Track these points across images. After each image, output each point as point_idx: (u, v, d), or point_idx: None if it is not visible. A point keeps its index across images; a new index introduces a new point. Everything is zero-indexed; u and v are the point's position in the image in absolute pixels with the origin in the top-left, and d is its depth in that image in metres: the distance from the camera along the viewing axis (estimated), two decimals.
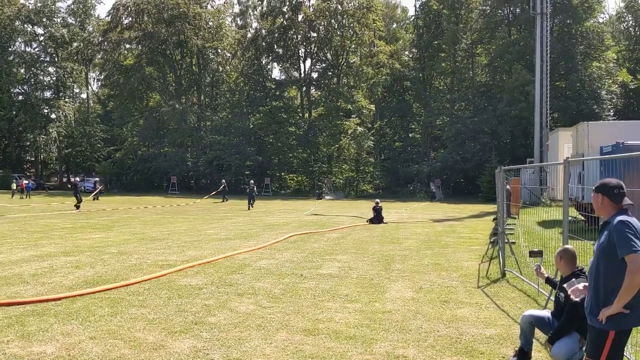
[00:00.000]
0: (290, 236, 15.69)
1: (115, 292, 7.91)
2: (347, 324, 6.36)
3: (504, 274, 9.48)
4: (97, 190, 40.67)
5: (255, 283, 8.78)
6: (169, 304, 7.24)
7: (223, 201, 37.44)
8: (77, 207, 27.59)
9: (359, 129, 55.38)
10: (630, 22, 58.06)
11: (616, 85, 49.37)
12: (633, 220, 3.61)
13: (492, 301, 7.63)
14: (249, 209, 29.67)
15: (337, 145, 55.72)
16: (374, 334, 5.98)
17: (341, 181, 55.98)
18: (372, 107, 59.07)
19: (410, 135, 62.52)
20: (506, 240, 10.08)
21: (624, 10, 58.50)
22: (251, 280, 9.04)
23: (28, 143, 63.63)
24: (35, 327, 6.11)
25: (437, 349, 5.53)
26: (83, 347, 5.46)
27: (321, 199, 44.74)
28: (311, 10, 57.96)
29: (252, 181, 34.71)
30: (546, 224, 18.92)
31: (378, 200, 22.98)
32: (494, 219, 22.68)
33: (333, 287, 8.55)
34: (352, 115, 56.39)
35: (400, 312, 6.96)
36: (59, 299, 7.33)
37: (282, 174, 59.59)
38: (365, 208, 28.45)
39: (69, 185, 31.71)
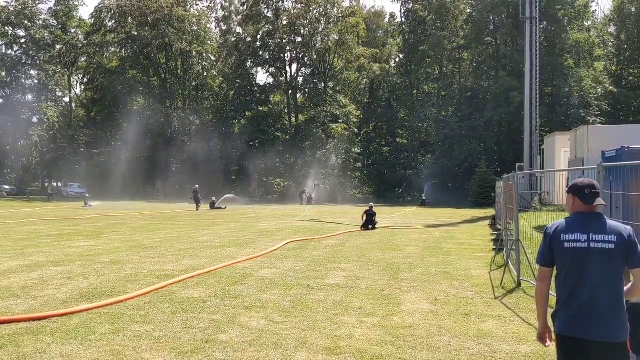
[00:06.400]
0: (287, 243, 15.23)
1: (114, 307, 7.39)
2: (369, 342, 5.93)
3: (519, 284, 9.11)
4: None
5: (262, 295, 8.31)
6: (174, 320, 6.75)
7: (223, 208, 36.67)
8: (197, 209, 34.04)
9: (346, 133, 55.19)
10: (618, 28, 58.48)
11: (603, 91, 49.74)
12: None
13: (515, 314, 7.25)
14: (197, 210, 34.24)
15: (324, 150, 55.40)
16: (401, 353, 5.56)
17: (328, 186, 55.59)
18: (358, 112, 59.01)
19: (397, 140, 62.41)
20: (520, 247, 9.69)
21: (613, 15, 58.89)
22: (256, 291, 8.57)
23: (9, 147, 62.32)
24: (31, 347, 5.59)
25: None
26: None
27: (310, 204, 44.30)
28: (293, 11, 57.56)
29: (197, 186, 37.51)
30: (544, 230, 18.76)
31: (372, 204, 22.53)
32: (490, 225, 22.50)
33: (344, 298, 8.12)
34: (339, 121, 56.18)
35: (422, 326, 6.55)
36: (58, 315, 6.78)
37: (269, 178, 59.01)
38: (356, 214, 28.03)
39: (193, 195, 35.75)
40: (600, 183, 6.26)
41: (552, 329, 3.52)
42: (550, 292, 3.63)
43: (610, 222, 3.43)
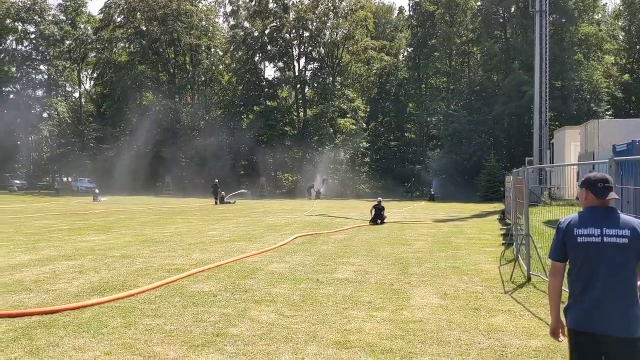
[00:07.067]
0: (296, 237, 15.27)
1: (125, 300, 7.45)
2: (379, 336, 5.94)
3: (529, 278, 9.10)
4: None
5: (271, 289, 8.35)
6: (185, 313, 6.79)
7: (232, 203, 36.79)
8: (216, 203, 34.81)
9: (354, 127, 55.16)
10: (627, 21, 57.90)
11: (615, 85, 49.40)
12: None
13: (525, 308, 7.23)
14: (215, 204, 34.88)
15: (332, 145, 55.41)
16: (410, 347, 5.57)
17: (336, 181, 55.56)
18: (366, 107, 58.99)
19: (405, 134, 62.25)
20: (531, 241, 9.65)
21: (621, 9, 58.36)
22: (266, 285, 8.61)
23: (19, 142, 62.78)
24: (44, 340, 5.65)
25: None
26: None
27: (319, 198, 44.36)
28: (301, 6, 57.41)
29: (216, 180, 38.73)
30: (554, 224, 18.68)
31: (380, 198, 22.50)
32: (499, 219, 22.43)
33: (353, 293, 8.13)
34: (347, 115, 56.14)
35: (432, 321, 6.55)
36: (70, 309, 6.85)
37: (277, 173, 59.11)
38: (364, 208, 28.02)
39: (211, 188, 37.05)
40: (612, 177, 6.23)
41: (565, 324, 3.52)
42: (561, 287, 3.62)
43: (624, 217, 3.42)
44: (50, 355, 5.24)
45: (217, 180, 37.35)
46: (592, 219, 3.44)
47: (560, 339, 3.59)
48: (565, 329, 3.51)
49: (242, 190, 43.11)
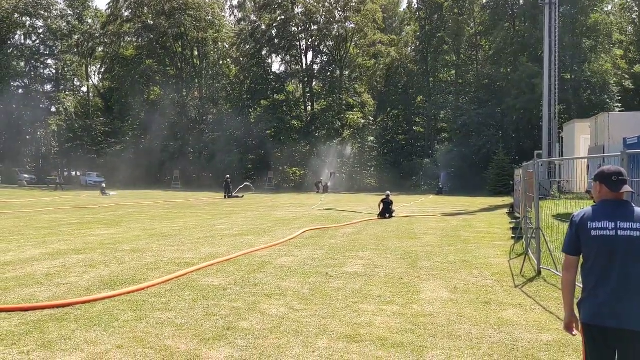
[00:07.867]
0: (305, 231, 15.28)
1: (136, 294, 7.49)
2: (390, 329, 5.94)
3: (539, 272, 9.06)
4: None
5: (281, 283, 8.36)
6: (195, 307, 6.81)
7: (240, 197, 36.85)
8: (226, 197, 35.11)
9: (362, 121, 55.04)
10: (637, 13, 57.29)
11: (627, 78, 48.93)
12: None
13: (536, 302, 7.21)
14: (225, 198, 35.17)
15: (339, 139, 55.32)
16: (421, 341, 5.56)
17: (344, 175, 55.44)
18: (373, 102, 58.83)
19: (413, 128, 61.97)
20: (541, 235, 9.60)
21: (629, 1, 57.78)
22: (275, 279, 8.62)
23: (28, 137, 63.08)
24: (56, 334, 5.68)
25: (494, 357, 5.10)
26: (111, 358, 5.04)
27: (326, 192, 44.34)
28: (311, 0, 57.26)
29: (228, 175, 38.69)
30: (563, 218, 18.50)
31: (389, 192, 22.44)
32: (508, 213, 22.35)
33: (363, 287, 8.13)
34: (354, 109, 56.02)
35: (442, 315, 6.54)
36: (81, 302, 6.89)
37: (285, 167, 59.06)
38: (372, 202, 27.99)
39: (223, 183, 37.27)
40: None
41: (579, 318, 3.49)
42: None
43: (638, 210, 3.39)
44: (62, 348, 5.27)
45: (228, 176, 37.58)
46: (606, 212, 3.41)
47: (573, 333, 3.56)
48: (579, 323, 3.49)
49: (247, 184, 43.21)
